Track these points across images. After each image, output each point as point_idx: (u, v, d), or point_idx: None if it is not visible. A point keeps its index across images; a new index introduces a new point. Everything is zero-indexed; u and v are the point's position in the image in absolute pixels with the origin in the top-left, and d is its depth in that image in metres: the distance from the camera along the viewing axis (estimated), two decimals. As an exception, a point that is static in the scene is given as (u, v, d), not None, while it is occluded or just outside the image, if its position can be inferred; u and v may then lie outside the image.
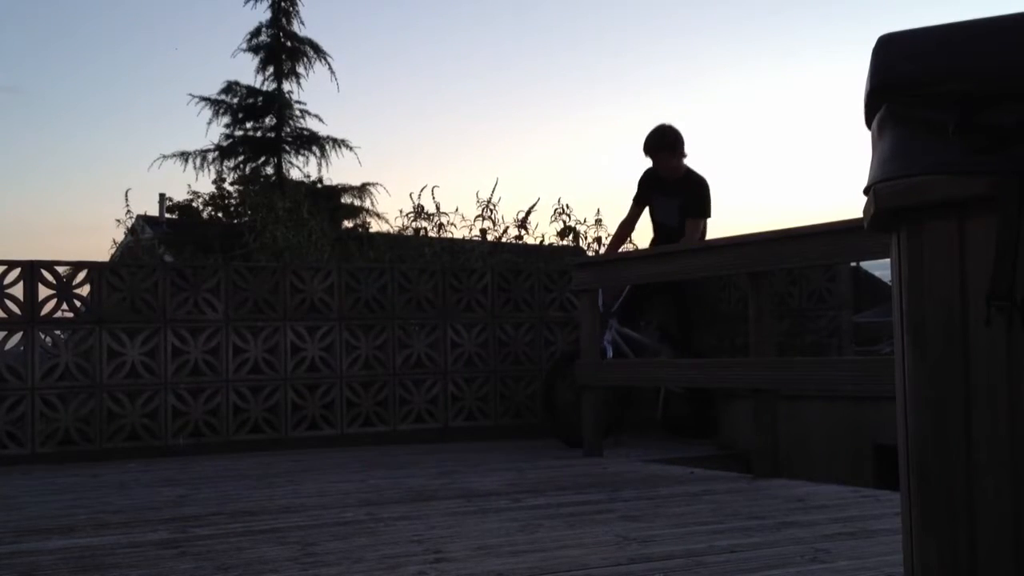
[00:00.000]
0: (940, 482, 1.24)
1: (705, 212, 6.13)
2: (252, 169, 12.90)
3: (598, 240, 9.13)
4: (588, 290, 5.63)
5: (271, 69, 12.96)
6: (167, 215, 14.33)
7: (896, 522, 1.36)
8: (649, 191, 6.26)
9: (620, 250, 6.69)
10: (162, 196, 14.57)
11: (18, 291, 5.83)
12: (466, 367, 6.84)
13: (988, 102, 1.18)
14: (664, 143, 6.05)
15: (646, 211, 6.45)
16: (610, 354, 5.97)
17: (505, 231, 8.89)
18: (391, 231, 10.25)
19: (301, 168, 12.96)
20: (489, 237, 8.79)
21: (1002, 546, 1.19)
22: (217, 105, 12.85)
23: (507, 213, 15.64)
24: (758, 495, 3.91)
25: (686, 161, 6.19)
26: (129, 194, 10.72)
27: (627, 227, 6.54)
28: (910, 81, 1.25)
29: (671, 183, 6.09)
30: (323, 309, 6.51)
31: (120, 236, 10.49)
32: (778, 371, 4.55)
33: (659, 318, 6.74)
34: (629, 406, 6.55)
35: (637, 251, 7.65)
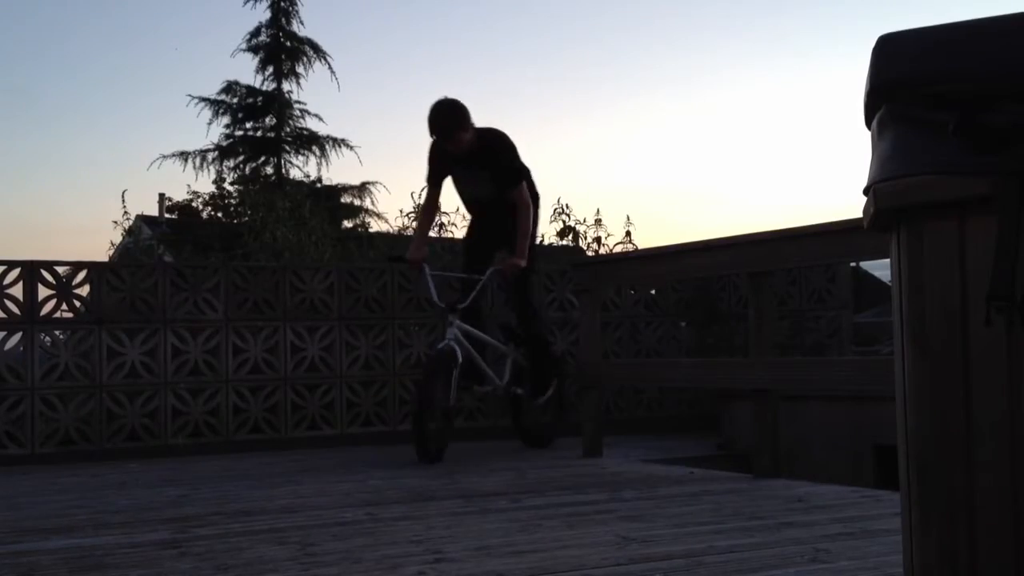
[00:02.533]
0: (940, 482, 1.24)
1: (524, 171, 5.56)
2: (252, 169, 12.89)
3: (598, 240, 9.14)
4: (588, 290, 5.63)
5: (271, 69, 12.96)
6: (167, 215, 14.32)
7: (896, 522, 1.36)
8: (444, 168, 5.61)
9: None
10: (162, 196, 14.57)
11: (18, 291, 5.83)
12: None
13: (988, 102, 1.18)
14: (461, 124, 5.32)
15: (448, 190, 5.90)
16: (460, 358, 5.27)
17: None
18: (391, 231, 10.26)
19: (301, 168, 12.96)
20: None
21: (1002, 546, 1.19)
22: (217, 105, 12.84)
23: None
24: (758, 495, 3.91)
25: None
26: (126, 195, 10.73)
27: (429, 212, 6.00)
28: (910, 81, 1.25)
29: (466, 153, 5.40)
30: (323, 309, 6.51)
31: (118, 237, 10.49)
32: (778, 371, 4.55)
33: (499, 312, 6.35)
34: (451, 417, 5.52)
35: (637, 251, 7.66)
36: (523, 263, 5.43)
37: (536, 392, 5.90)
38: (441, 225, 8.81)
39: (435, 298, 5.47)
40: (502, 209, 5.50)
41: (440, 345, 5.32)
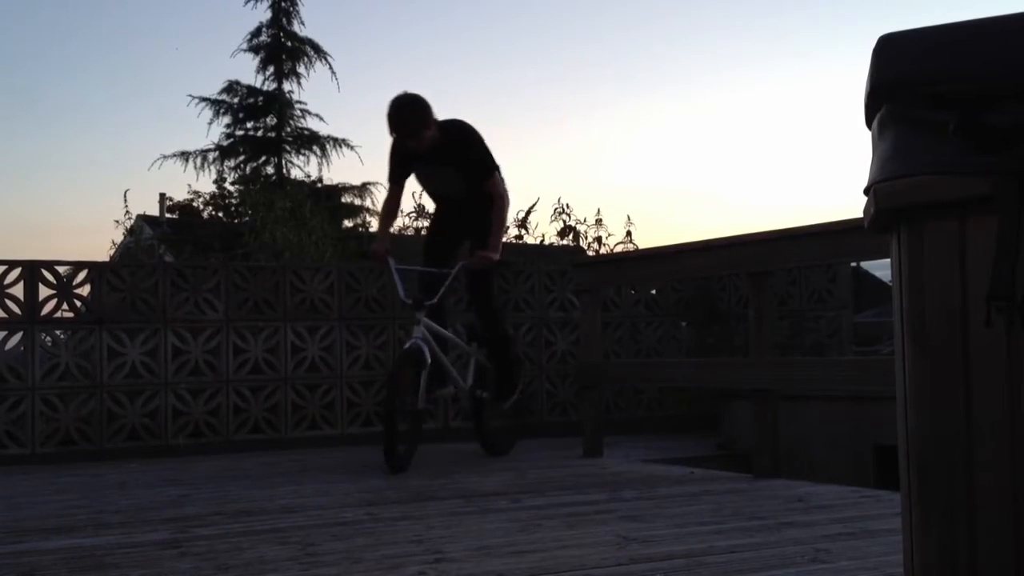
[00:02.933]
0: (940, 482, 1.24)
1: (494, 163, 5.19)
2: (253, 169, 12.89)
3: (598, 240, 9.15)
4: (588, 290, 5.63)
5: (271, 69, 12.95)
6: (167, 215, 14.32)
7: (896, 522, 1.36)
8: (406, 165, 5.28)
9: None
10: (162, 196, 14.57)
11: (18, 291, 5.83)
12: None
13: (988, 102, 1.18)
14: (423, 120, 4.99)
15: (412, 188, 5.84)
16: (428, 358, 4.92)
17: (506, 230, 8.89)
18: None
19: (302, 168, 12.96)
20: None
21: (1002, 546, 1.19)
22: (218, 105, 12.84)
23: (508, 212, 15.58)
24: (758, 495, 3.91)
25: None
26: (128, 195, 10.74)
27: (392, 210, 5.59)
28: (910, 81, 1.25)
29: (429, 149, 5.06)
30: (323, 309, 6.51)
31: (119, 237, 10.50)
32: (778, 371, 4.55)
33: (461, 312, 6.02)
34: (420, 421, 5.15)
35: (637, 251, 7.67)
36: (495, 256, 5.15)
37: (501, 395, 5.57)
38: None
39: (401, 294, 5.13)
40: (469, 204, 5.21)
41: (407, 345, 4.98)
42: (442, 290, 5.12)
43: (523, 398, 5.86)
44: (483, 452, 5.56)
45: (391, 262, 5.16)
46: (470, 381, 5.48)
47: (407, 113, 4.99)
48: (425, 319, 5.02)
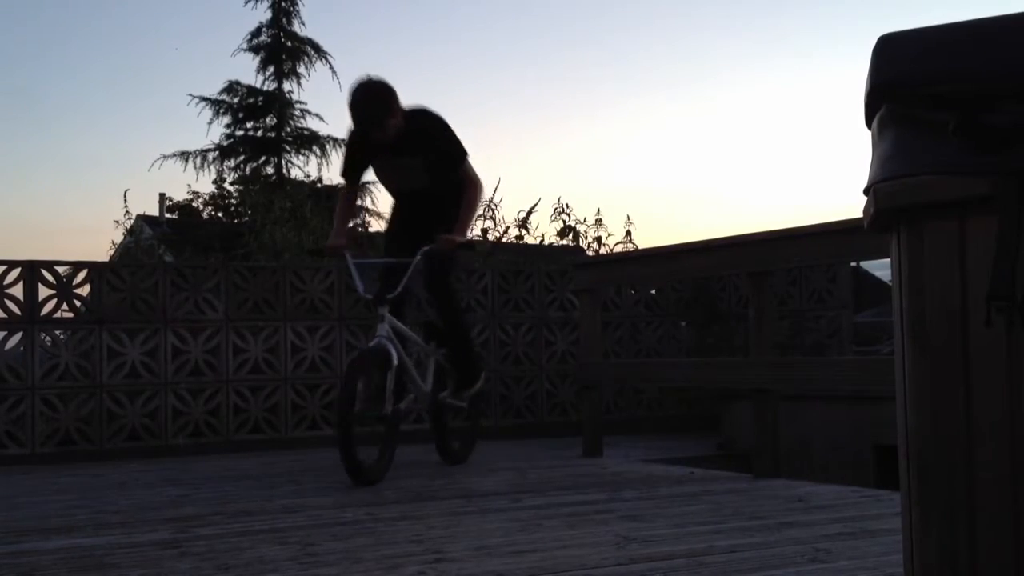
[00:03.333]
0: (940, 482, 1.24)
1: (465, 149, 4.81)
2: (253, 169, 12.89)
3: (598, 240, 9.15)
4: (588, 290, 5.63)
5: (272, 69, 12.96)
6: (167, 215, 14.33)
7: (896, 522, 1.36)
8: (366, 158, 4.89)
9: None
10: (162, 196, 14.59)
11: (18, 291, 5.83)
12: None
13: (988, 102, 1.18)
14: (390, 109, 4.57)
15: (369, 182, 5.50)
16: (395, 360, 4.51)
17: (506, 231, 8.90)
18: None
19: (302, 168, 12.97)
20: (490, 237, 8.80)
21: (1002, 546, 1.19)
22: (218, 105, 12.85)
23: (508, 212, 15.67)
24: (758, 495, 3.91)
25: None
26: (128, 194, 10.76)
27: (349, 205, 5.23)
28: (910, 81, 1.25)
29: (392, 140, 4.65)
30: (323, 309, 6.52)
31: (119, 237, 10.51)
32: (778, 371, 4.56)
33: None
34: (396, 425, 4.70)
35: (638, 251, 7.67)
36: (461, 239, 4.73)
37: (460, 386, 5.16)
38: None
39: (360, 289, 4.71)
40: (434, 197, 4.81)
41: (371, 343, 4.56)
42: (404, 280, 4.65)
43: (478, 400, 5.46)
44: (442, 461, 5.19)
45: (348, 256, 4.77)
46: (430, 384, 5.04)
47: (372, 102, 4.55)
48: (389, 315, 4.60)
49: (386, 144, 4.65)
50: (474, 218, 5.02)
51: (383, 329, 4.54)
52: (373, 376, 4.49)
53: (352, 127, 4.73)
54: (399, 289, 4.62)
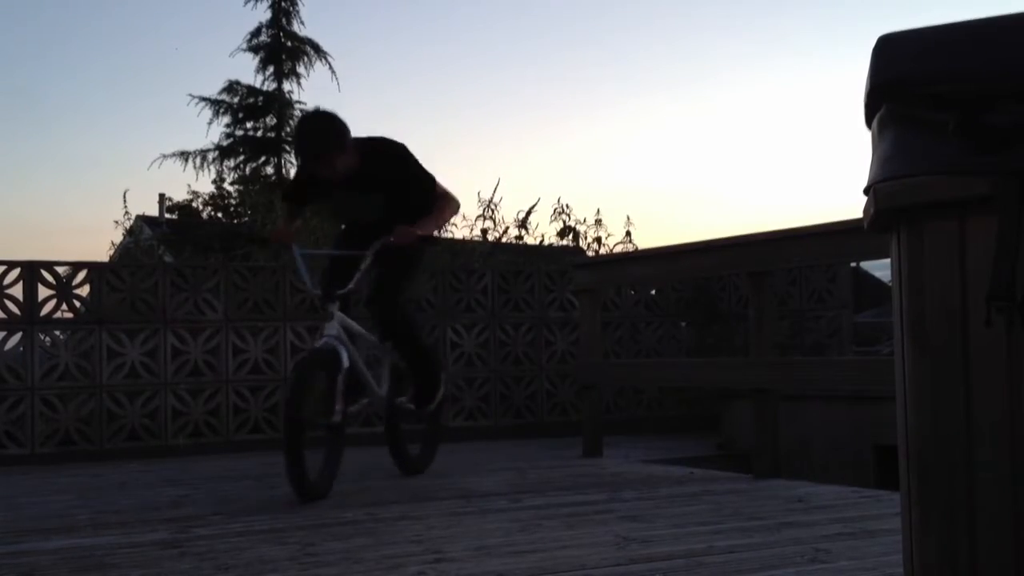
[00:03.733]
0: (940, 482, 1.24)
1: (432, 177, 4.40)
2: (252, 169, 12.89)
3: (598, 240, 9.15)
4: (588, 290, 5.63)
5: (271, 69, 12.95)
6: (167, 215, 14.33)
7: (896, 522, 1.36)
8: (316, 194, 4.51)
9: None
10: (162, 196, 14.58)
11: (18, 291, 5.84)
12: (466, 367, 6.84)
13: (988, 102, 1.18)
14: (338, 145, 4.14)
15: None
16: (346, 362, 4.12)
17: (505, 231, 8.90)
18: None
19: (301, 168, 12.95)
20: (490, 237, 8.80)
21: (1002, 546, 1.19)
22: (217, 105, 12.84)
23: (508, 213, 15.65)
24: (758, 495, 3.91)
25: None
26: (128, 195, 10.75)
27: (292, 212, 4.68)
28: (910, 81, 1.25)
29: (345, 177, 4.24)
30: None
31: (119, 237, 10.51)
32: (778, 371, 4.56)
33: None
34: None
35: (638, 251, 7.66)
36: (419, 232, 4.26)
37: (421, 401, 4.73)
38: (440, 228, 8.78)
39: (309, 284, 4.36)
40: (388, 226, 4.29)
41: (319, 343, 4.19)
42: (357, 275, 4.27)
43: (438, 407, 4.91)
44: (397, 469, 4.74)
45: (295, 248, 4.34)
46: (385, 387, 4.61)
47: (316, 137, 4.14)
48: (339, 313, 4.20)
49: (337, 182, 4.24)
50: (441, 225, 4.55)
51: (332, 328, 4.15)
52: (321, 380, 4.08)
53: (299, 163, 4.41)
54: (351, 285, 4.25)
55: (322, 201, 4.69)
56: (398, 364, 4.70)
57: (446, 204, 4.51)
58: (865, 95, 1.30)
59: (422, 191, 4.38)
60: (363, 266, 4.28)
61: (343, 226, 4.77)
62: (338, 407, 4.09)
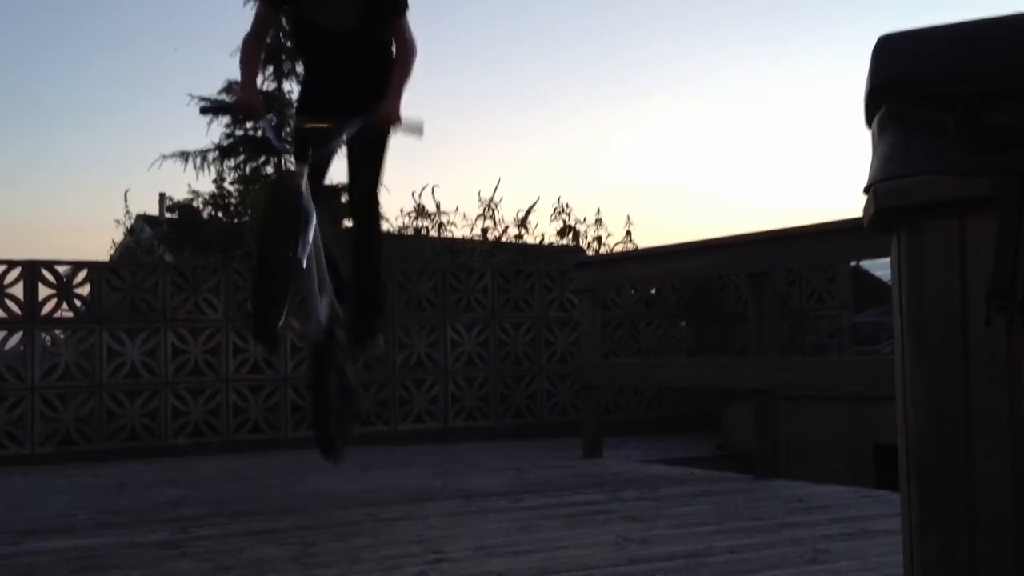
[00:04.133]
0: (940, 482, 1.24)
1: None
2: (252, 169, 12.87)
3: (598, 240, 9.14)
4: (588, 290, 5.63)
5: (271, 69, 12.94)
6: (167, 215, 14.32)
7: (896, 522, 1.36)
8: None
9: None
10: (162, 196, 14.56)
11: (18, 291, 5.83)
12: (466, 367, 6.84)
13: (988, 102, 1.18)
14: None
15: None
16: (309, 208, 3.41)
17: (505, 230, 8.90)
18: (391, 230, 10.25)
19: (301, 168, 12.94)
20: (489, 236, 8.80)
21: (1002, 546, 1.19)
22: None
23: (508, 212, 15.62)
24: (758, 495, 3.91)
25: None
26: (128, 194, 10.74)
27: (259, 44, 3.92)
28: (910, 81, 1.25)
29: None
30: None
31: (119, 236, 10.50)
32: (778, 371, 4.55)
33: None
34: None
35: (638, 251, 7.67)
36: (399, 119, 3.66)
37: (362, 332, 3.93)
38: (441, 225, 8.79)
39: (275, 142, 3.92)
40: (361, 52, 3.80)
41: (285, 182, 3.48)
42: (332, 144, 3.67)
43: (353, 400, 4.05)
44: (320, 451, 3.79)
45: (265, 118, 3.86)
46: (324, 312, 3.68)
47: None
48: (306, 181, 3.47)
49: None
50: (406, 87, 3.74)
51: (300, 171, 3.50)
52: (286, 226, 3.35)
53: None
54: (327, 150, 3.68)
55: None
56: (335, 305, 3.76)
57: (408, 57, 3.75)
58: (865, 95, 1.30)
59: (391, 10, 3.71)
60: (337, 139, 3.65)
61: (313, 81, 4.05)
62: (301, 252, 3.32)
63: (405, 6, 3.74)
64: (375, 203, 3.91)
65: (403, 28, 3.75)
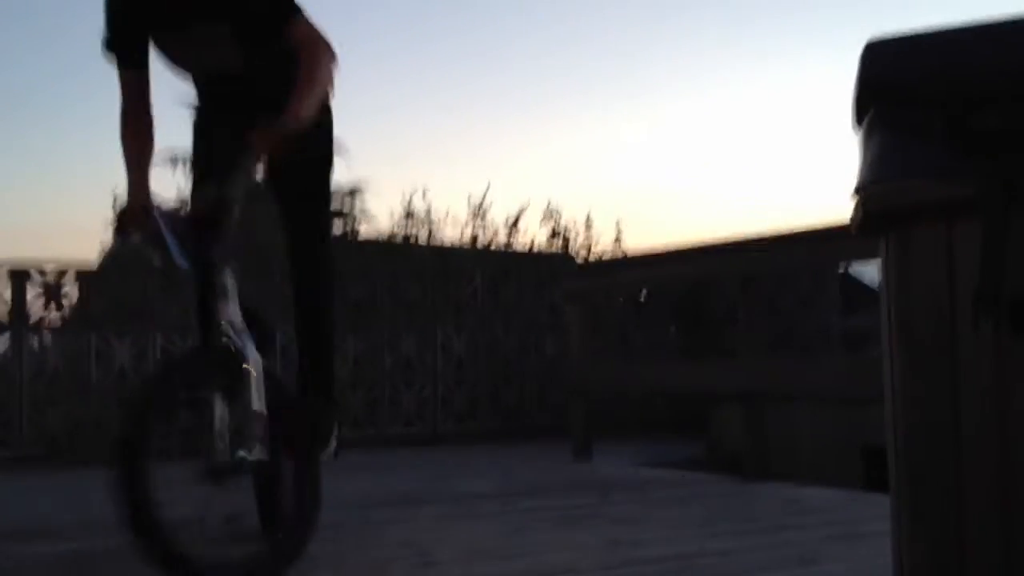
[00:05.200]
0: (929, 484, 1.24)
1: (294, 4, 2.85)
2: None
3: (587, 245, 9.15)
4: (577, 294, 5.63)
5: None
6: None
7: (885, 524, 1.36)
8: (144, 25, 2.89)
9: None
10: (151, 198, 14.51)
11: (5, 293, 5.81)
12: (456, 371, 6.83)
13: (976, 106, 1.18)
14: None
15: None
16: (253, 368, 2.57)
17: (495, 235, 8.89)
18: (382, 233, 10.24)
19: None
20: (479, 241, 8.79)
21: (991, 547, 1.19)
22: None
23: (498, 215, 15.63)
24: (748, 498, 3.92)
25: None
26: (117, 196, 10.67)
27: (140, 126, 2.97)
28: (898, 84, 1.25)
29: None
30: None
31: (109, 239, 10.46)
32: (767, 374, 4.56)
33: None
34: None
35: (627, 257, 7.68)
36: (296, 126, 2.64)
37: (318, 438, 2.87)
38: (430, 229, 8.77)
39: (176, 256, 2.61)
40: (259, 78, 2.93)
41: (206, 342, 2.67)
42: (226, 215, 2.62)
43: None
44: (262, 541, 2.71)
45: (161, 224, 2.61)
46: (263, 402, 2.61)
47: None
48: (228, 279, 2.63)
49: (169, 5, 2.83)
50: (322, 93, 2.88)
51: (227, 311, 2.61)
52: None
53: None
54: (220, 232, 2.61)
55: (155, 41, 2.95)
56: (272, 374, 2.71)
57: (316, 55, 2.84)
58: (853, 98, 1.30)
59: (275, 21, 2.82)
60: (230, 185, 2.62)
61: (202, 105, 3.17)
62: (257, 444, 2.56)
63: (290, 9, 2.86)
64: (319, 253, 3.03)
65: (298, 30, 2.86)
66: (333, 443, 2.99)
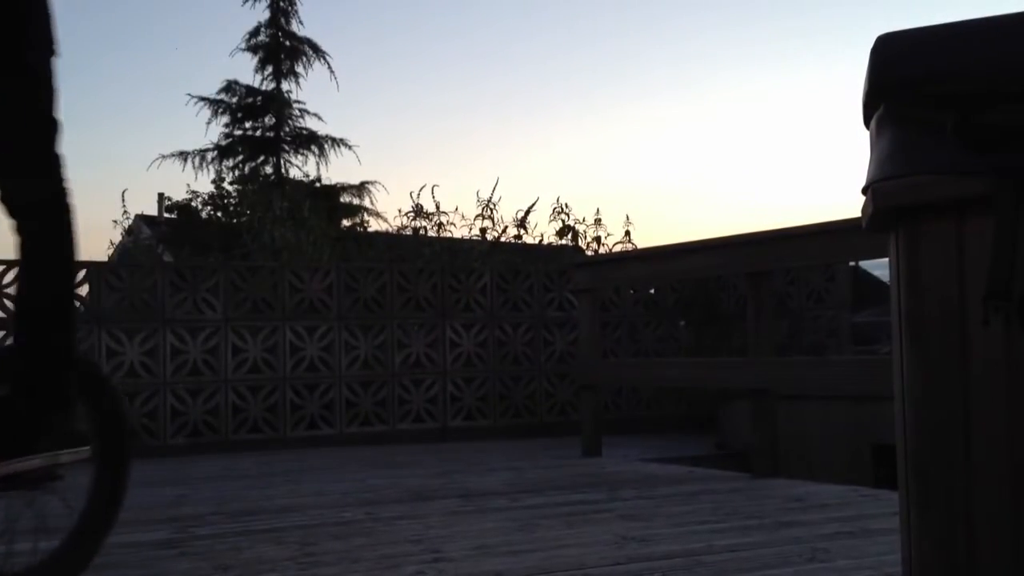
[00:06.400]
0: (938, 481, 1.24)
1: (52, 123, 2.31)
2: (251, 168, 12.88)
3: (597, 240, 9.14)
4: (587, 290, 5.63)
5: (270, 68, 12.94)
6: (166, 215, 14.31)
7: (894, 521, 1.36)
8: None
9: None
10: (161, 196, 14.55)
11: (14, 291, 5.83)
12: (465, 367, 6.84)
13: (986, 102, 1.18)
14: None
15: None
16: None
17: (504, 230, 8.90)
18: (390, 230, 10.26)
19: (300, 167, 12.95)
20: (488, 237, 8.80)
21: (1000, 544, 1.19)
22: (216, 105, 12.83)
23: (507, 212, 15.65)
24: (757, 494, 3.91)
25: None
26: (127, 194, 10.73)
27: None
28: (909, 81, 1.25)
29: None
30: (322, 309, 6.52)
31: (117, 237, 10.48)
32: (777, 371, 4.56)
33: None
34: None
35: (637, 251, 7.67)
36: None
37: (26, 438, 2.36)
38: (440, 225, 8.79)
39: None
40: None
41: None
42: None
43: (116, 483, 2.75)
44: None
45: None
46: None
47: None
48: None
49: None
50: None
51: None
52: None
53: None
54: None
55: None
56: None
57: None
58: (863, 95, 1.30)
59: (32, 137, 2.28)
60: None
61: None
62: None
63: (51, 169, 2.34)
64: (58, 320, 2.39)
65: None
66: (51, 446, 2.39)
